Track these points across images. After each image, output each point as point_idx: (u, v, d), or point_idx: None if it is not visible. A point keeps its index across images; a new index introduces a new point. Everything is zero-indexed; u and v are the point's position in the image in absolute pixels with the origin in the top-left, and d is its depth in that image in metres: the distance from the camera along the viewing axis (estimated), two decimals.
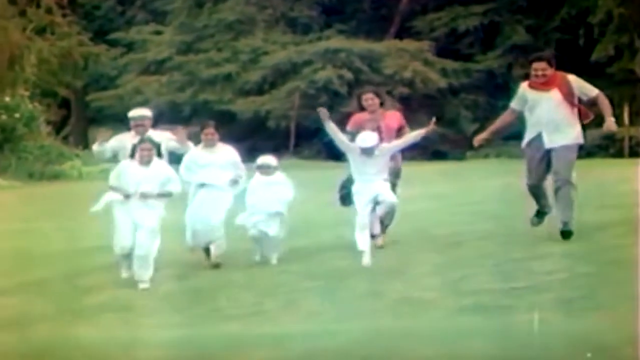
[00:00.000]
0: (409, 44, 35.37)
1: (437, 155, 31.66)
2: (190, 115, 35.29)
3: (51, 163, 29.32)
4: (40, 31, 34.76)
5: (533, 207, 11.20)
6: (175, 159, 11.75)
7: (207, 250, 11.65)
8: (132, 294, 10.62)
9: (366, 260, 10.52)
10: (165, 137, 11.74)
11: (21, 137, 29.77)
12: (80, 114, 40.77)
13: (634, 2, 30.46)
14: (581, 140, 11.07)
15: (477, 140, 11.40)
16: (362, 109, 11.44)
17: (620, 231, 10.97)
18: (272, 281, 10.75)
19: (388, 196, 10.77)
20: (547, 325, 8.20)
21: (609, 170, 17.63)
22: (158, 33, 39.34)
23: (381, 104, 11.52)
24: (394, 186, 11.23)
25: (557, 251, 10.57)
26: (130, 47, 39.23)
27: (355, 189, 10.88)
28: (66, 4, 36.96)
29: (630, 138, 28.27)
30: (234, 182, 11.53)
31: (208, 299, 10.32)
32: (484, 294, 9.26)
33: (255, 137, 34.53)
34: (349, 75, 34.01)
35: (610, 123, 10.94)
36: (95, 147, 12.22)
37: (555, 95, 10.87)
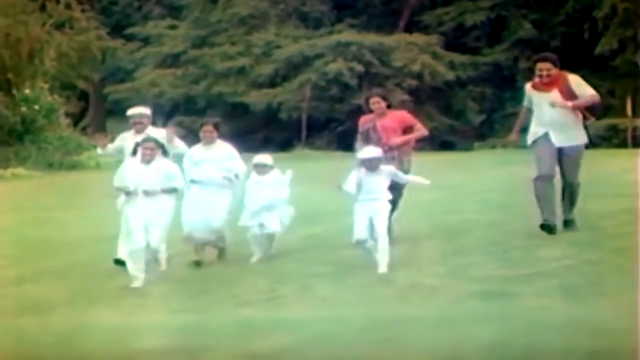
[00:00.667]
0: (418, 38, 35.49)
1: (445, 145, 31.62)
2: (204, 108, 35.44)
3: (70, 153, 29.47)
4: (60, 26, 34.70)
5: None
6: (179, 157, 11.69)
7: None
8: (150, 280, 10.66)
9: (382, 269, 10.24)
10: (160, 136, 11.67)
11: (41, 129, 29.91)
12: (98, 106, 41.01)
13: None
14: (586, 140, 11.20)
15: (511, 140, 11.49)
16: (371, 111, 11.80)
17: (624, 219, 11.06)
18: (285, 268, 10.85)
19: (378, 227, 10.28)
20: (552, 311, 8.18)
21: (613, 161, 17.74)
22: (173, 27, 39.47)
23: (388, 106, 11.87)
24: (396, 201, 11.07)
25: (562, 239, 10.68)
26: (146, 41, 39.45)
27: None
28: (84, 0, 37.13)
29: (634, 129, 28.16)
30: (227, 179, 11.48)
31: (224, 285, 10.40)
32: (491, 281, 9.27)
33: (268, 129, 34.68)
34: (359, 67, 34.11)
35: (559, 100, 10.84)
36: (99, 152, 12.45)
37: (555, 95, 10.96)
